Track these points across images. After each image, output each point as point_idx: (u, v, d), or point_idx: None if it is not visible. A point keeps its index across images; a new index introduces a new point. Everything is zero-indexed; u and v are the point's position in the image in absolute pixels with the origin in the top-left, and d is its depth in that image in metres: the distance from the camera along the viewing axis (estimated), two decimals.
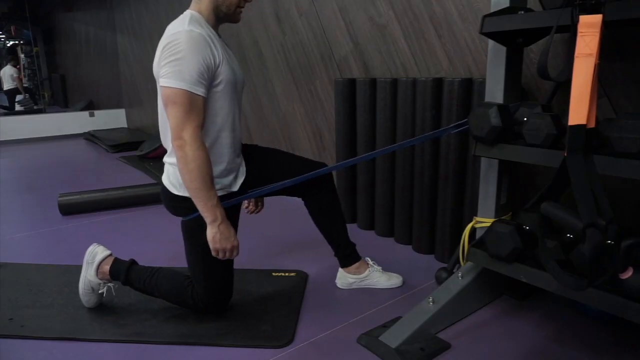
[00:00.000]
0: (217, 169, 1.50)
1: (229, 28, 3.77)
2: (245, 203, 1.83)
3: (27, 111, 9.54)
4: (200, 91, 1.36)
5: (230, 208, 1.53)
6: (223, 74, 1.43)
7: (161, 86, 1.37)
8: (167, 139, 1.49)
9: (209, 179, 1.38)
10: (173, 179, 1.51)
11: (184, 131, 1.34)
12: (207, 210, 1.39)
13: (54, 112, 8.22)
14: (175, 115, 1.34)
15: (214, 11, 1.48)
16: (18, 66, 10.58)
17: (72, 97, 10.48)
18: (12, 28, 10.98)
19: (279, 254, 2.24)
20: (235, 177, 1.58)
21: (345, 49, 2.68)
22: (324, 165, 1.74)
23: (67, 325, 1.63)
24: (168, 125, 1.40)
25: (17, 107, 9.95)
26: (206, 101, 1.41)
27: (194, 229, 1.50)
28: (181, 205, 1.51)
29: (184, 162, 1.35)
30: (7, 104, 9.91)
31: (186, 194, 1.44)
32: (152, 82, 5.91)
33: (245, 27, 3.51)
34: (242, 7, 1.52)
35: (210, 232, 1.41)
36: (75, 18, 8.93)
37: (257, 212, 1.89)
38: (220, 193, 1.50)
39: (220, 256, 1.45)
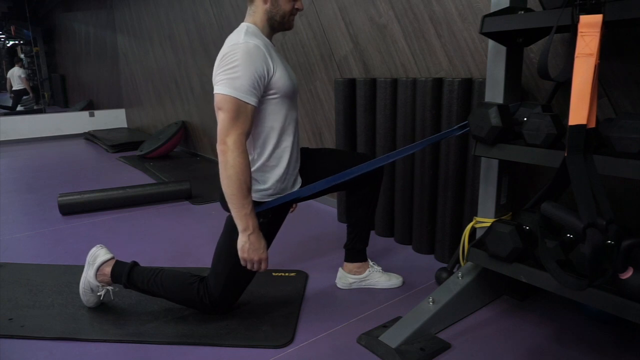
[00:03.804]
0: (279, 172, 1.54)
1: (228, 28, 3.77)
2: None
3: (27, 111, 9.54)
4: (250, 100, 1.39)
5: (277, 214, 1.59)
6: (279, 81, 1.46)
7: (214, 93, 1.41)
8: None
9: (246, 187, 1.39)
10: None
11: (228, 137, 1.37)
12: (240, 218, 1.41)
13: (54, 112, 8.22)
14: (221, 121, 1.38)
15: (268, 22, 1.51)
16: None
17: (72, 97, 10.47)
18: (12, 28, 10.97)
19: (279, 254, 2.24)
20: (293, 183, 1.61)
21: (345, 49, 2.68)
22: (372, 157, 1.72)
23: (67, 325, 1.63)
24: None
25: (18, 107, 9.96)
26: (258, 110, 1.44)
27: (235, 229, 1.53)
28: None
29: (224, 167, 1.38)
30: (10, 104, 9.92)
31: None
32: (152, 82, 5.85)
33: None
34: (295, 15, 1.55)
35: (240, 241, 1.44)
36: (75, 18, 8.93)
37: (292, 211, 1.89)
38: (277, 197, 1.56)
39: (248, 267, 1.48)
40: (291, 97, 1.54)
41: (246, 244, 1.42)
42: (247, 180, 1.39)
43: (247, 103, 1.38)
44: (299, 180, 1.63)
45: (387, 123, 2.25)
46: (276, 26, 1.54)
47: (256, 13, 1.50)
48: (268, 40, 1.52)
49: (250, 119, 1.40)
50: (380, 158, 1.60)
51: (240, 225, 1.42)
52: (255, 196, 1.52)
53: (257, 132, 1.50)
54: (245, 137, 1.40)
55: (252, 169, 1.49)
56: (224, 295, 1.59)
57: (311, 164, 1.68)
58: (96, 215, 2.96)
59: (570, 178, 1.11)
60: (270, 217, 1.57)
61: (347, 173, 1.58)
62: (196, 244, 2.42)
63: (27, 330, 1.60)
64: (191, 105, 4.97)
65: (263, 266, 1.49)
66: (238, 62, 1.36)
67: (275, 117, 1.50)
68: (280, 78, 1.46)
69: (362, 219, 1.82)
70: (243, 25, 1.49)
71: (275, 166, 1.54)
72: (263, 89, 1.43)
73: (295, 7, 1.52)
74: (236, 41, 1.40)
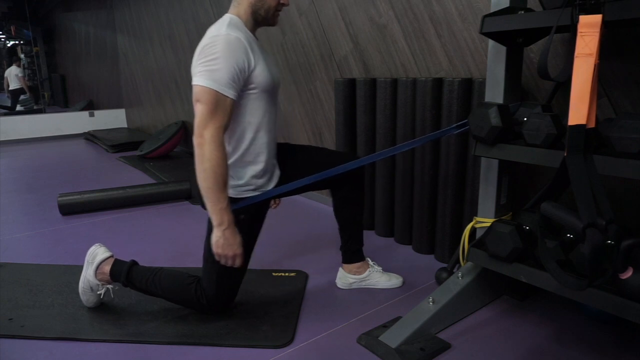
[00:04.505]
0: (255, 169, 1.53)
1: None
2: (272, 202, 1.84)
3: (27, 111, 9.54)
4: (229, 93, 1.37)
5: (257, 210, 1.57)
6: (259, 76, 1.45)
7: (192, 84, 1.39)
8: None
9: (222, 181, 1.38)
10: None
11: (206, 130, 1.35)
12: (215, 213, 1.39)
13: (54, 112, 8.22)
14: (199, 113, 1.36)
15: (252, 15, 1.50)
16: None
17: (72, 97, 10.47)
18: (12, 28, 10.97)
19: (279, 253, 2.24)
20: (270, 179, 1.60)
21: (345, 49, 2.68)
22: (354, 156, 1.72)
23: (67, 325, 1.63)
24: None
25: (18, 107, 9.95)
26: (236, 104, 1.43)
27: None
28: None
29: (200, 161, 1.36)
30: (9, 104, 9.91)
31: None
32: (152, 82, 5.83)
33: None
34: (280, 10, 1.54)
35: (215, 236, 1.41)
36: (75, 18, 8.93)
37: (275, 207, 1.89)
38: (254, 193, 1.54)
39: (222, 262, 1.45)
40: (271, 92, 1.52)
41: (220, 239, 1.40)
42: (224, 174, 1.38)
43: (226, 96, 1.36)
44: (277, 174, 1.61)
45: (387, 123, 2.25)
46: (260, 20, 1.52)
47: (241, 5, 1.49)
48: (251, 34, 1.49)
49: (228, 112, 1.39)
50: (366, 157, 1.59)
51: (215, 220, 1.39)
52: (232, 192, 1.50)
53: (233, 127, 1.48)
54: (223, 130, 1.39)
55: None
56: (219, 293, 1.59)
57: (293, 161, 1.67)
58: (96, 215, 2.96)
59: (570, 178, 1.11)
60: (252, 212, 1.56)
61: (327, 172, 1.57)
62: (196, 244, 2.41)
63: (27, 330, 1.60)
64: (191, 106, 4.94)
65: (237, 262, 1.45)
66: (218, 54, 1.35)
67: (253, 112, 1.49)
68: (260, 73, 1.44)
69: (348, 220, 1.81)
70: (226, 17, 1.47)
71: (251, 162, 1.52)
72: (243, 83, 1.42)
73: (281, 2, 1.51)
74: (217, 32, 1.38)
